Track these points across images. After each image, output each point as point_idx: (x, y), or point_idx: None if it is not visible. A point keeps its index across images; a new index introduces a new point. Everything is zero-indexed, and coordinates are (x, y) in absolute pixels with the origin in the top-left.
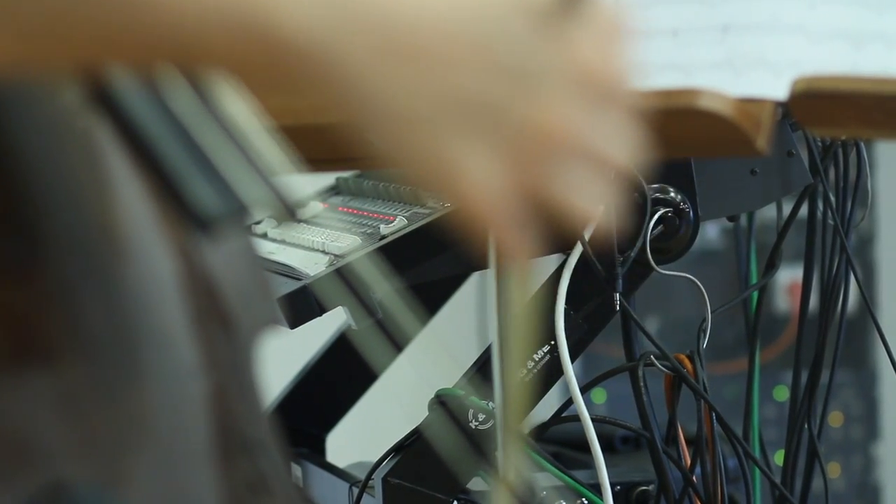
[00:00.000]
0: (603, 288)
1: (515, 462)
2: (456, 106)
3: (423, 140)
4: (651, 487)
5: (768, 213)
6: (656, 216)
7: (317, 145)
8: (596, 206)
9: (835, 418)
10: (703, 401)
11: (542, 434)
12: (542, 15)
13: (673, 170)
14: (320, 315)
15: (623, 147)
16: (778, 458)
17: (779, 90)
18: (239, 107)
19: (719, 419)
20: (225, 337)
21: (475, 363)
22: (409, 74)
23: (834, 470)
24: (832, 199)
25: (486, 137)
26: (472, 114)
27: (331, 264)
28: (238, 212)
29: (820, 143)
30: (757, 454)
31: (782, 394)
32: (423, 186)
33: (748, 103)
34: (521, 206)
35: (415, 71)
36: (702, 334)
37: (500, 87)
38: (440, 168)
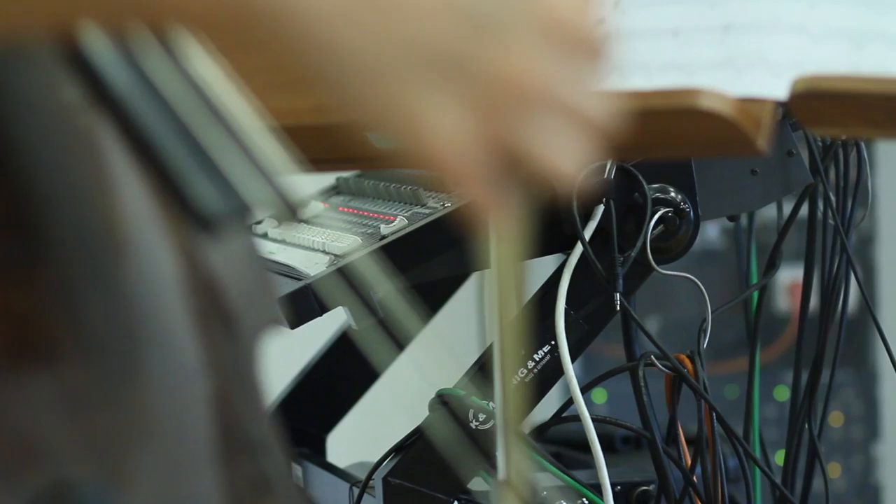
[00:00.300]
0: (603, 288)
1: (516, 462)
2: (421, 55)
3: (387, 90)
4: (651, 487)
5: (768, 212)
6: (657, 216)
7: (317, 145)
8: (568, 160)
9: (835, 418)
10: (703, 401)
11: (542, 434)
12: None
13: (673, 170)
14: (321, 315)
15: (594, 98)
16: (778, 458)
17: (779, 90)
18: (240, 106)
19: (720, 419)
20: (227, 336)
21: (475, 363)
22: (371, 23)
23: (834, 470)
24: (832, 198)
25: (451, 87)
26: (437, 63)
27: (331, 264)
28: (239, 211)
29: (820, 143)
30: (757, 454)
31: (783, 394)
32: (389, 138)
33: (748, 103)
34: (489, 157)
35: (377, 19)
36: (702, 334)
37: (466, 35)
38: (405, 118)
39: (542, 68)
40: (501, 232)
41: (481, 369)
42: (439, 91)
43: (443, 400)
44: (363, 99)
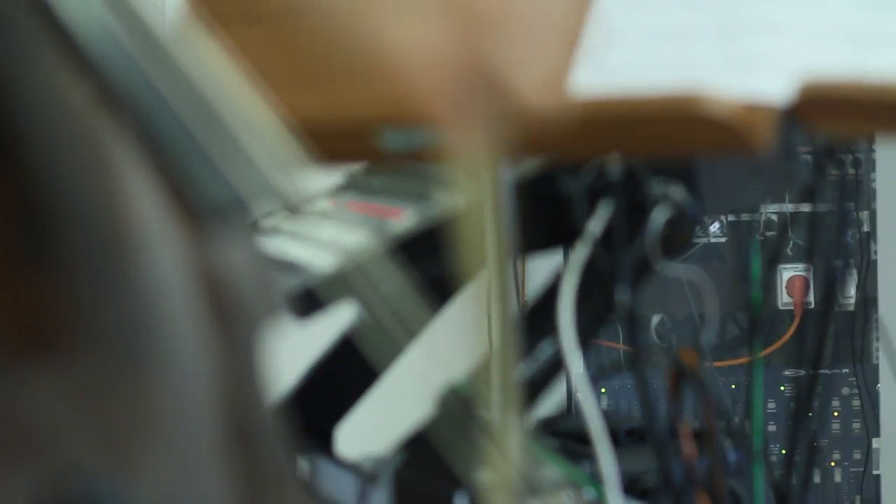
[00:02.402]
0: (606, 284)
1: (516, 455)
2: None
3: (357, 16)
4: (654, 480)
5: (771, 210)
6: (659, 213)
7: (327, 141)
8: (536, 78)
9: (835, 412)
10: (705, 395)
11: (547, 427)
12: None
13: (676, 167)
14: (328, 309)
15: (569, 28)
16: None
17: (781, 90)
18: (248, 100)
19: (721, 413)
20: (234, 330)
21: (482, 356)
22: None
23: (834, 463)
24: (833, 197)
25: (422, 6)
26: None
27: (339, 258)
28: (246, 205)
29: (821, 142)
30: (758, 448)
31: (784, 388)
32: (364, 61)
33: (750, 104)
34: (459, 75)
35: None
36: (704, 329)
37: None
38: (377, 42)
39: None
40: (468, 151)
41: (487, 363)
42: (407, 12)
43: (450, 393)
44: (332, 21)
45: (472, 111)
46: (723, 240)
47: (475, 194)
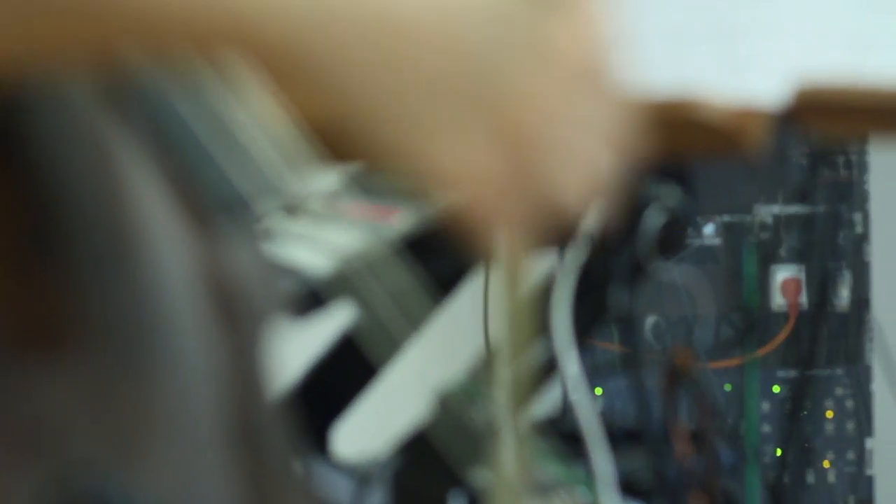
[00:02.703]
0: (601, 284)
1: (516, 457)
2: (435, 95)
3: (403, 131)
4: (649, 481)
5: (764, 211)
6: (654, 214)
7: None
8: (583, 193)
9: (828, 413)
10: (699, 396)
11: (542, 428)
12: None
13: (671, 168)
14: (325, 309)
15: (608, 134)
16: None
17: (775, 92)
18: (249, 100)
19: (716, 414)
20: (236, 328)
21: (478, 357)
22: (388, 67)
23: (827, 464)
24: (827, 198)
25: (468, 125)
26: (452, 102)
27: (336, 259)
28: (248, 204)
29: (815, 144)
30: (753, 448)
31: (778, 389)
32: (408, 177)
33: (744, 108)
34: (507, 192)
35: (393, 63)
36: (698, 331)
37: (479, 71)
38: (424, 158)
39: (557, 104)
40: (515, 260)
41: (484, 364)
42: (456, 129)
43: (446, 394)
44: (380, 138)
45: (516, 221)
46: (717, 241)
47: (516, 290)
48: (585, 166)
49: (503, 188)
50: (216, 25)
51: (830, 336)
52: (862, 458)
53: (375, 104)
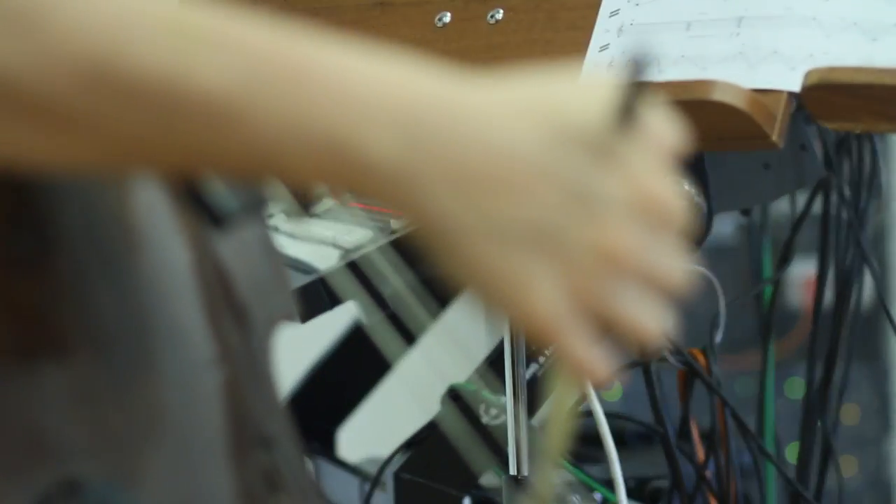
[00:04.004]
0: None
1: (550, 482)
2: (522, 229)
3: (488, 261)
4: (664, 483)
5: (782, 206)
6: None
7: None
8: (654, 323)
9: (848, 413)
10: (716, 396)
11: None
12: (600, 141)
13: (686, 163)
14: (331, 309)
15: (677, 265)
16: (791, 453)
17: (793, 82)
18: None
19: (732, 414)
20: (239, 330)
21: (487, 357)
22: (477, 198)
23: (848, 465)
24: (846, 192)
25: (550, 259)
26: (537, 236)
27: (342, 258)
28: (253, 205)
29: (834, 136)
30: (771, 449)
31: (796, 389)
32: (488, 305)
33: (762, 95)
34: (584, 324)
35: (482, 195)
36: (715, 329)
37: (564, 211)
38: (506, 288)
39: (633, 241)
40: (581, 383)
41: (493, 363)
42: (538, 262)
43: (454, 394)
44: (465, 265)
45: (595, 348)
46: (734, 238)
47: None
48: (654, 304)
49: (572, 319)
50: (325, 168)
51: (851, 334)
52: (882, 459)
53: (455, 229)
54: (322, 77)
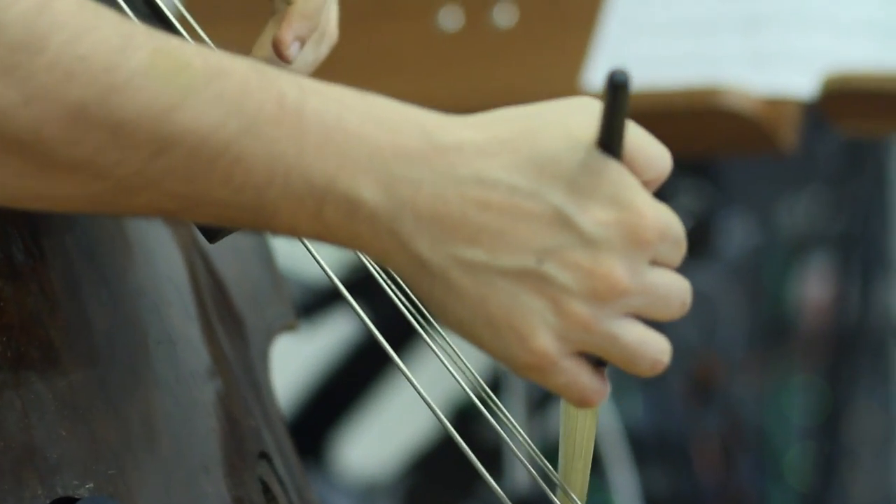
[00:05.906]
0: None
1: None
2: (514, 269)
3: (479, 303)
4: (673, 494)
5: (791, 213)
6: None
7: None
8: (656, 353)
9: (861, 423)
10: (727, 406)
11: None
12: (581, 171)
13: (696, 167)
14: (328, 315)
15: (678, 296)
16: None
17: (805, 85)
18: None
19: (741, 427)
20: (235, 340)
21: (490, 369)
22: (454, 245)
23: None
24: (861, 196)
25: (538, 297)
26: (533, 275)
27: (340, 265)
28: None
29: (847, 140)
30: (782, 459)
31: (809, 398)
32: (486, 348)
33: (773, 100)
34: (579, 357)
35: (459, 242)
36: (727, 339)
37: (547, 248)
38: (495, 331)
39: (621, 270)
40: (590, 413)
41: (496, 376)
42: (536, 300)
43: (458, 407)
44: (456, 307)
45: (595, 378)
46: (744, 243)
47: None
48: (652, 334)
49: (574, 355)
50: (307, 211)
51: (864, 345)
52: (893, 468)
53: (443, 275)
54: (304, 122)
